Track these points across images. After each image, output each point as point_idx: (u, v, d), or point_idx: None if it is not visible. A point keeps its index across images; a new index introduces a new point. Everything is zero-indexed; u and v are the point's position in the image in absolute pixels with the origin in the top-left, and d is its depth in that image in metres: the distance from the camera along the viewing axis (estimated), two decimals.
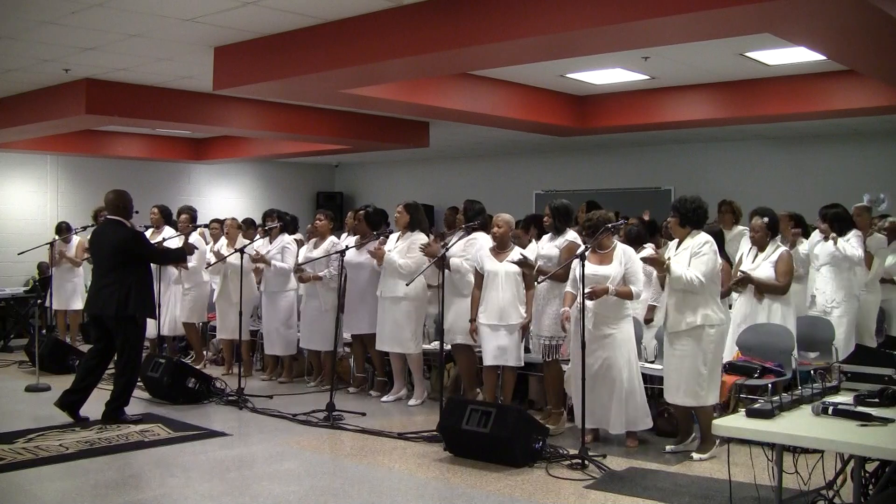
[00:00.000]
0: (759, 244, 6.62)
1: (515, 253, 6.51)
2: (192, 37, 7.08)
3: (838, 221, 7.14)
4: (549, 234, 6.53)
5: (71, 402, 6.57)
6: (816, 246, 7.26)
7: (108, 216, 6.76)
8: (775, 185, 11.43)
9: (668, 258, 5.60)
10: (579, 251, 5.73)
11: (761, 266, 6.53)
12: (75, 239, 10.77)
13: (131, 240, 6.63)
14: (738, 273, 6.59)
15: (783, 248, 6.64)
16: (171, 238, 9.08)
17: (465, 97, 8.73)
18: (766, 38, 6.16)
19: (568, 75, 8.68)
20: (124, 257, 6.52)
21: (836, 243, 7.03)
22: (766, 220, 6.59)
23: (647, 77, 8.71)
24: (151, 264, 6.87)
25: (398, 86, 8.18)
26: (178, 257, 7.54)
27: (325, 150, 12.62)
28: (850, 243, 7.06)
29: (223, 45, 7.41)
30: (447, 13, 6.02)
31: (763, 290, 6.51)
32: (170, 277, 9.19)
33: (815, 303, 7.21)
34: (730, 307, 6.88)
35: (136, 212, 7.04)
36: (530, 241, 6.97)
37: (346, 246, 7.66)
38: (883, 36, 5.50)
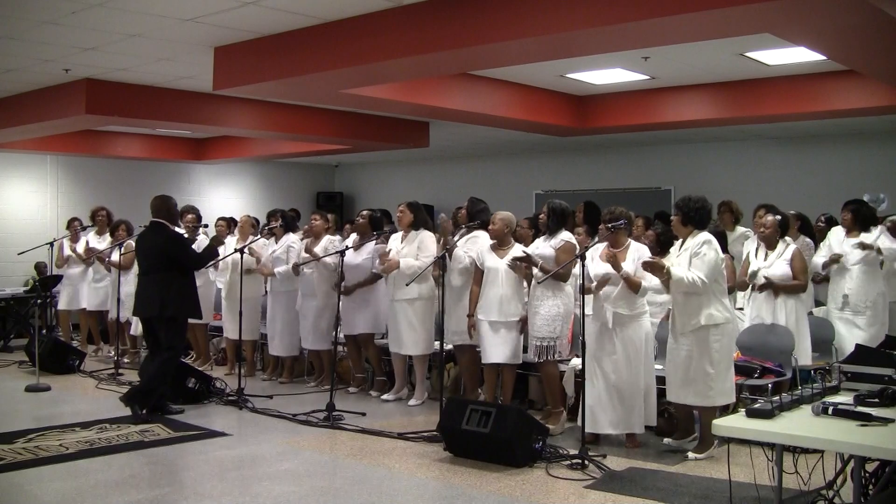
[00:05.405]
0: (769, 241, 6.59)
1: (517, 249, 6.51)
2: (192, 37, 7.08)
3: (864, 217, 7.10)
4: (544, 236, 6.52)
5: (137, 401, 6.77)
6: (844, 243, 7.12)
7: (153, 219, 7.08)
8: (775, 185, 11.40)
9: (668, 265, 5.56)
10: (579, 252, 5.74)
11: (776, 264, 6.50)
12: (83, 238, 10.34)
13: (170, 242, 6.97)
14: (761, 278, 6.52)
15: (794, 246, 6.62)
16: None
17: (465, 97, 8.72)
18: (766, 38, 6.16)
19: (568, 75, 8.67)
20: (166, 260, 6.85)
21: (876, 247, 6.92)
22: (778, 217, 6.58)
23: (647, 77, 8.70)
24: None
25: (398, 86, 8.18)
26: (211, 257, 7.62)
27: (325, 150, 12.61)
28: (887, 238, 6.99)
29: (223, 45, 7.41)
30: (447, 13, 6.02)
31: (785, 290, 6.47)
32: None
33: (847, 302, 7.03)
34: (740, 309, 6.85)
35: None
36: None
37: (347, 246, 7.66)
38: (883, 36, 5.50)
